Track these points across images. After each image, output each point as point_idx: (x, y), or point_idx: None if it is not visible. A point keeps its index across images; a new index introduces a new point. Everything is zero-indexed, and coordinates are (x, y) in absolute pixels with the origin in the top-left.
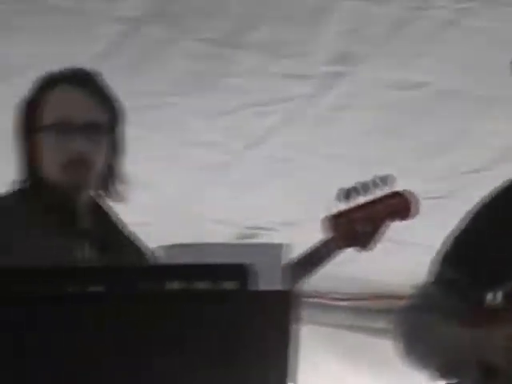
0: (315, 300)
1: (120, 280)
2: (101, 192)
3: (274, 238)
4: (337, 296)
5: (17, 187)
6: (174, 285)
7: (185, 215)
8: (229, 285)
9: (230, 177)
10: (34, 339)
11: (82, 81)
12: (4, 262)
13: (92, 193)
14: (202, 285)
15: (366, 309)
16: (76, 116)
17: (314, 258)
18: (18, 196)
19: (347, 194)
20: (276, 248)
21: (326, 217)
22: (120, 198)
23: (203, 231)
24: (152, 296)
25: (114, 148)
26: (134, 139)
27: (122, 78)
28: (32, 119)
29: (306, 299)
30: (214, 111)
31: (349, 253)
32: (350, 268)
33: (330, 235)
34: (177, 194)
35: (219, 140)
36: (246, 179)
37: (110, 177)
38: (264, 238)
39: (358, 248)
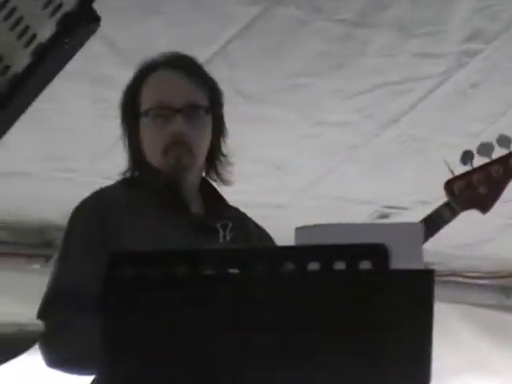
0: (456, 279)
1: (259, 261)
2: (209, 175)
3: (408, 217)
4: (477, 275)
5: (124, 174)
6: (313, 265)
7: (319, 196)
8: (367, 265)
9: (363, 156)
10: (173, 322)
11: (181, 65)
12: (116, 247)
13: (202, 176)
14: (339, 265)
15: (506, 287)
16: (175, 99)
17: (435, 222)
18: (126, 183)
19: (468, 156)
20: (415, 227)
21: (447, 180)
22: (226, 181)
23: (338, 211)
24: (291, 277)
25: (218, 130)
26: (268, 120)
27: (256, 60)
28: (133, 104)
29: (447, 278)
30: (347, 91)
31: (487, 232)
32: (490, 247)
33: (450, 198)
34: (311, 175)
35: (353, 120)
36: (379, 158)
37: (215, 159)
38: (398, 217)
39: (477, 210)
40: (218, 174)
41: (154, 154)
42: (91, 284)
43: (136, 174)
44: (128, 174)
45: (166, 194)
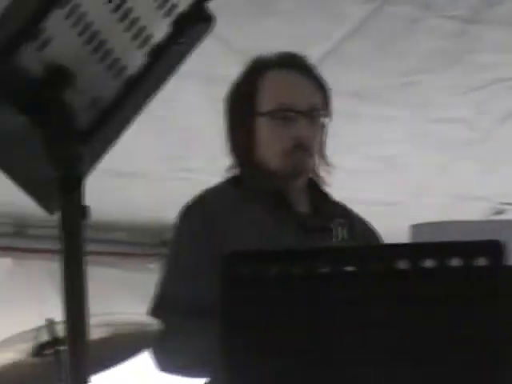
0: None
1: (373, 259)
2: (312, 175)
3: None
4: None
5: (230, 174)
6: (427, 263)
7: (434, 193)
8: (482, 261)
9: (477, 153)
10: (290, 319)
11: (299, 65)
12: (224, 248)
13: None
14: (454, 262)
15: None
16: (298, 101)
17: None
18: (233, 182)
19: None
20: None
21: None
22: (325, 181)
23: (453, 208)
24: (405, 274)
25: (324, 131)
26: (382, 118)
27: (369, 58)
28: (249, 103)
29: None
30: (460, 88)
31: None
32: None
33: None
34: (426, 172)
35: (466, 116)
36: (493, 155)
37: (319, 160)
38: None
39: None
40: (318, 174)
41: (272, 156)
42: (199, 290)
43: (244, 172)
44: (234, 173)
45: (275, 196)
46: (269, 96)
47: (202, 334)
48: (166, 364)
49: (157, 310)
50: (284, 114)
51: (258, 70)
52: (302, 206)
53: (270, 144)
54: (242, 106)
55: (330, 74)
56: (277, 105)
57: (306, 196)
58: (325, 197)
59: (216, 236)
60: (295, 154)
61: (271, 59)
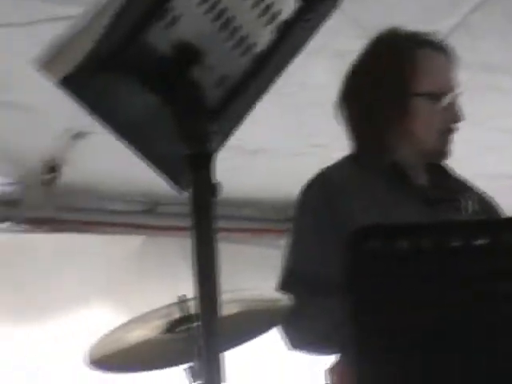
0: None
1: (505, 232)
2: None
3: None
4: None
5: (351, 150)
6: None
7: None
8: None
9: None
10: (420, 294)
11: (443, 46)
12: (346, 224)
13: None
14: None
15: None
16: (451, 84)
17: None
18: (353, 159)
19: None
20: None
21: None
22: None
23: None
24: None
25: None
26: None
27: (499, 30)
28: (402, 82)
29: None
30: None
31: None
32: None
33: None
34: None
35: None
36: None
37: None
38: None
39: None
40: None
41: (428, 136)
42: (324, 266)
43: (364, 148)
44: (354, 149)
45: (395, 170)
46: (427, 77)
47: (331, 311)
48: (296, 341)
49: (284, 286)
50: (441, 97)
51: (406, 49)
52: (422, 180)
53: (427, 125)
54: (392, 83)
55: (458, 47)
56: (436, 88)
57: (425, 170)
58: (445, 171)
59: (337, 212)
60: (446, 137)
61: (417, 38)
